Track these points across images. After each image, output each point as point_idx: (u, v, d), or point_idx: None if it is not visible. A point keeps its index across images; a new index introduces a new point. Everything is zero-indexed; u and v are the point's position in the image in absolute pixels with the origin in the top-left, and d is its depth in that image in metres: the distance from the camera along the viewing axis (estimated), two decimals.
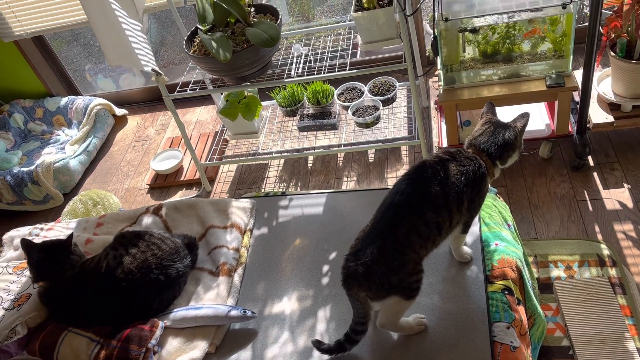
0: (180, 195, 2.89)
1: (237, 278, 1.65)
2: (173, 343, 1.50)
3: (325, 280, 1.60)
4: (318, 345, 1.34)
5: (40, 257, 1.57)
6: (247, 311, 1.51)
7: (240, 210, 1.85)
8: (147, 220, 1.88)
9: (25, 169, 2.93)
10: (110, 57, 2.29)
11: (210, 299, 1.59)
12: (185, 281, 1.65)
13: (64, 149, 3.17)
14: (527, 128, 2.57)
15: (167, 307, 1.58)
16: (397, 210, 1.25)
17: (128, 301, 1.53)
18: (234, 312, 1.50)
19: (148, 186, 3.00)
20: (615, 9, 2.12)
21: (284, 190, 2.73)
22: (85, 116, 3.27)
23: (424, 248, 1.28)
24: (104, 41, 2.24)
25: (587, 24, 2.01)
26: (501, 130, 1.38)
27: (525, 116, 1.42)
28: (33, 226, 2.02)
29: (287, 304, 1.56)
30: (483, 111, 1.46)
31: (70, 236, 1.62)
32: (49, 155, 3.09)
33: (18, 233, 2.00)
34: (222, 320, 1.51)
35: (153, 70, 2.26)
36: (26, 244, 1.62)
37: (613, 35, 2.17)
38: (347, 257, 1.28)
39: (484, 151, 1.36)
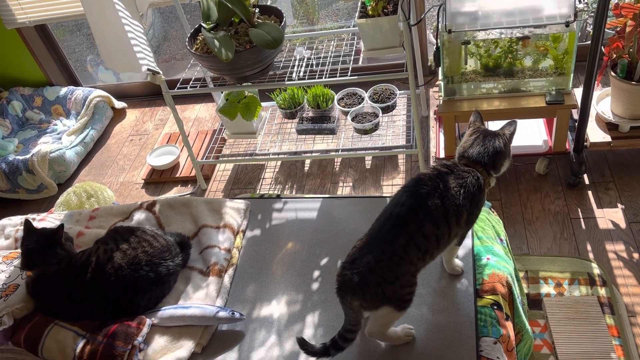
0: (175, 192, 2.89)
1: (227, 279, 1.65)
2: (159, 341, 1.49)
3: (315, 285, 1.59)
4: (302, 344, 1.32)
5: (34, 244, 1.56)
6: (236, 313, 1.50)
7: (234, 210, 1.84)
8: (140, 216, 1.87)
9: (20, 157, 2.91)
10: (108, 61, 2.29)
11: (199, 299, 1.59)
12: (176, 280, 1.64)
13: (61, 139, 3.16)
14: (525, 143, 2.58)
15: (155, 305, 1.57)
16: (397, 222, 1.25)
17: (116, 297, 1.52)
18: (222, 313, 1.49)
19: (143, 181, 2.99)
20: (618, 29, 2.13)
21: (279, 192, 2.73)
22: (84, 107, 3.26)
23: (422, 260, 1.28)
24: (103, 46, 2.24)
25: (589, 42, 2.02)
26: (491, 139, 1.38)
27: (512, 124, 1.42)
28: (24, 215, 2.01)
29: (276, 308, 1.56)
30: (470, 121, 1.46)
31: (61, 227, 1.60)
32: (45, 145, 3.08)
33: (10, 222, 1.99)
34: (209, 320, 1.50)
35: (149, 69, 2.26)
36: (27, 227, 1.61)
37: (614, 56, 2.18)
38: (343, 264, 1.28)
39: (477, 162, 1.36)
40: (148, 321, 1.50)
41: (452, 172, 1.32)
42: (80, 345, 1.46)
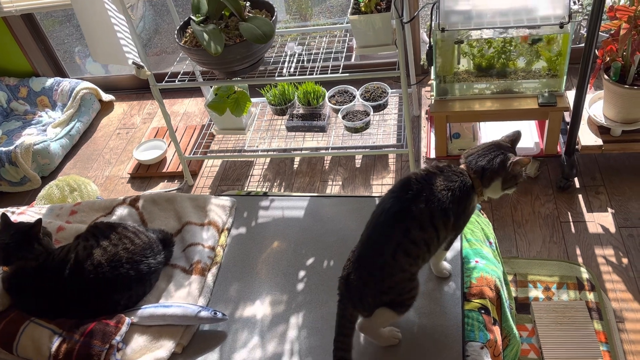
0: (161, 187, 2.84)
1: (210, 278, 1.61)
2: (139, 341, 1.45)
3: (300, 286, 1.56)
4: None
5: (10, 239, 1.51)
6: (218, 313, 1.47)
7: (219, 208, 1.81)
8: (123, 211, 1.82)
9: (3, 149, 2.85)
10: (94, 53, 2.25)
11: (181, 298, 1.55)
12: (157, 278, 1.60)
13: (46, 131, 3.10)
14: (517, 145, 2.56)
15: (135, 304, 1.53)
16: (382, 231, 1.23)
17: (95, 295, 1.47)
18: (204, 313, 1.45)
19: (129, 175, 2.94)
20: (612, 32, 2.11)
21: (267, 190, 2.69)
22: (71, 99, 3.20)
23: (415, 266, 1.26)
24: (89, 37, 2.21)
25: (583, 45, 2.00)
26: (493, 151, 1.34)
27: (531, 160, 1.38)
28: (4, 209, 1.96)
29: (260, 308, 1.52)
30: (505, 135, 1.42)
31: (38, 222, 1.55)
32: (29, 137, 3.02)
33: None
34: (191, 320, 1.46)
35: (134, 63, 2.21)
36: (4, 221, 1.57)
37: (608, 59, 2.16)
38: (340, 279, 1.28)
39: (470, 167, 1.34)
40: (127, 320, 1.46)
41: (442, 172, 1.29)
42: (56, 343, 1.42)
